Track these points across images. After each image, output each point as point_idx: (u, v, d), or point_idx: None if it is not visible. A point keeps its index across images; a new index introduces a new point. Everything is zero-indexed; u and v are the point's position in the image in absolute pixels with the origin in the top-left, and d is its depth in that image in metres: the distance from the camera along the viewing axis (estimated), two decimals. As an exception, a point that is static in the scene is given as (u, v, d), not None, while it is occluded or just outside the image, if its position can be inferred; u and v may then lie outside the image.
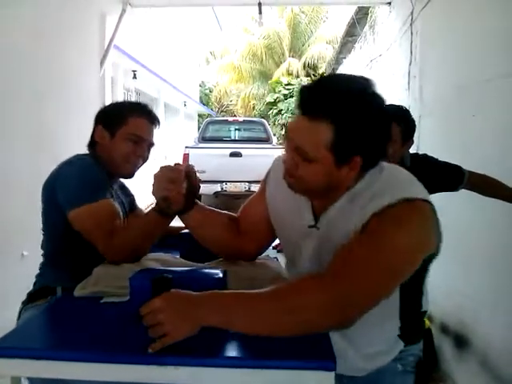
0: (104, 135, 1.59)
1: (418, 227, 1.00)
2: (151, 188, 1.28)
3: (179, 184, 1.27)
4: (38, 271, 1.58)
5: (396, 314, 1.17)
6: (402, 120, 2.02)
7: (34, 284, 1.55)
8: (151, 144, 1.64)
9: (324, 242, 1.13)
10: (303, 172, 1.05)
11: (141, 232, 1.41)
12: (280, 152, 1.35)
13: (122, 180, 1.74)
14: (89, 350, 0.98)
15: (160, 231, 1.45)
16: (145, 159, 1.63)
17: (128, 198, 1.77)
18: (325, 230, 1.13)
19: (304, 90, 1.05)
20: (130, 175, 1.64)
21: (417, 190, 1.05)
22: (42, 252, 1.58)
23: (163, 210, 1.34)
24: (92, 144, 1.63)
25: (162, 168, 1.29)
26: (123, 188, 1.78)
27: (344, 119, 0.99)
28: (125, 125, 1.57)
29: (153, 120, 1.64)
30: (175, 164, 1.33)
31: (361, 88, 1.03)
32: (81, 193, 1.43)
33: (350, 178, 1.06)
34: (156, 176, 1.27)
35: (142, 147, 1.60)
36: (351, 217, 1.05)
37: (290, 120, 1.05)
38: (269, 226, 1.33)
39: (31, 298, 1.50)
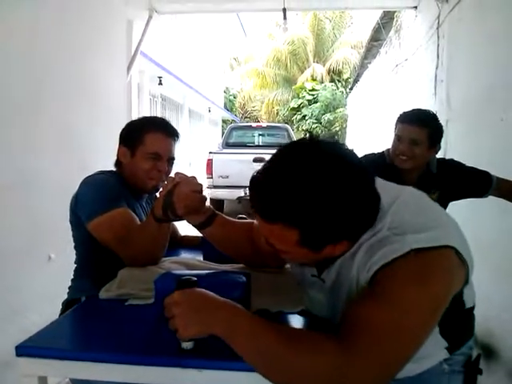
0: (126, 154, 1.65)
1: (433, 285, 0.86)
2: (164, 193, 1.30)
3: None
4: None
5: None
6: (429, 124, 1.99)
7: (67, 295, 1.63)
8: (171, 158, 1.68)
9: (332, 297, 1.04)
10: (285, 256, 0.99)
11: (147, 239, 1.42)
12: None
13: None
14: (113, 351, 0.98)
15: (164, 235, 1.46)
16: (167, 173, 1.66)
17: None
18: (331, 284, 1.03)
19: (253, 190, 0.93)
20: (154, 190, 1.69)
21: (428, 234, 0.88)
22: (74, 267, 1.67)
23: (159, 217, 1.33)
24: (118, 163, 1.70)
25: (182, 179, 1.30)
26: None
27: (304, 218, 0.86)
28: (143, 144, 1.62)
29: (170, 134, 1.66)
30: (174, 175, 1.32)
31: (314, 171, 0.86)
32: (95, 205, 1.50)
33: (340, 251, 0.94)
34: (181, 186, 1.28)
35: (161, 163, 1.64)
36: (354, 269, 0.95)
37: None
38: None
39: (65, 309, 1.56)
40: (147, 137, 1.62)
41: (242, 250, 1.41)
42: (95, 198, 1.51)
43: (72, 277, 1.66)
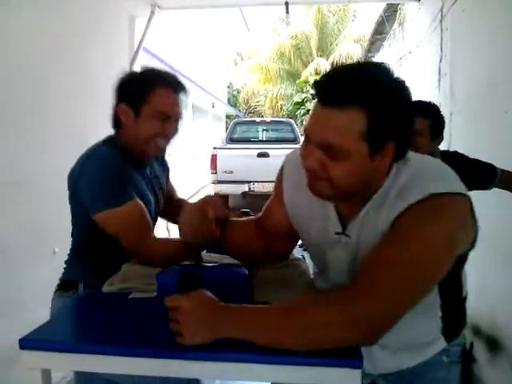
0: (128, 114, 1.45)
1: (447, 223, 0.91)
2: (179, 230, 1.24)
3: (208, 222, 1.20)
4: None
5: (437, 306, 1.10)
6: (431, 114, 1.99)
7: (62, 274, 1.55)
8: (179, 119, 1.50)
9: (357, 253, 1.04)
10: (334, 173, 0.93)
11: (169, 256, 1.37)
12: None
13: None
14: (116, 344, 0.99)
15: (188, 257, 1.36)
16: (173, 136, 1.50)
17: (164, 172, 1.72)
18: (356, 238, 1.04)
19: (325, 80, 0.95)
20: (157, 156, 1.58)
21: (446, 183, 0.95)
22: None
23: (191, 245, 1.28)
24: (116, 124, 1.51)
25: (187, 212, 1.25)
26: (163, 161, 1.72)
27: (377, 103, 0.89)
28: (150, 101, 1.43)
29: (179, 89, 1.48)
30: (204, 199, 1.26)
31: (383, 72, 0.96)
32: (105, 195, 1.36)
33: (382, 169, 0.96)
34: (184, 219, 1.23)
35: (170, 124, 1.46)
36: (379, 222, 0.98)
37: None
38: (292, 227, 1.23)
39: (60, 287, 1.51)
40: (155, 94, 1.43)
41: (250, 249, 1.31)
42: (103, 187, 1.36)
43: (68, 256, 1.55)
